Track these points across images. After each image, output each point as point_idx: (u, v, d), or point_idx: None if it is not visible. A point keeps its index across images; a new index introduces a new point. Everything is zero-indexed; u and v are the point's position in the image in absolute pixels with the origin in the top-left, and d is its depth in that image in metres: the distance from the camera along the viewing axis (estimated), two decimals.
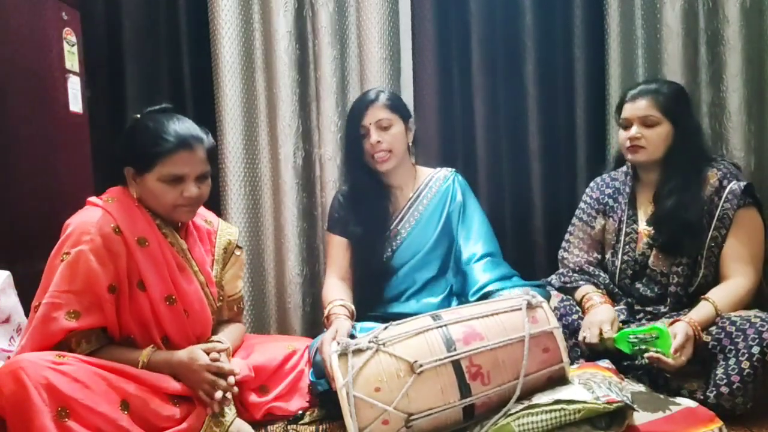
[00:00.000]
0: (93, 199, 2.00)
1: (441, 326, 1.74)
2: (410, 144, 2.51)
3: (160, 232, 2.01)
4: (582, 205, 2.59)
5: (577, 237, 2.56)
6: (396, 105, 2.45)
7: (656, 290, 2.36)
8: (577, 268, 2.50)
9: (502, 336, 1.71)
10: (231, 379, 1.90)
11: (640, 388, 2.07)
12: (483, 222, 2.51)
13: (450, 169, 2.60)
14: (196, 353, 1.90)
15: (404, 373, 1.66)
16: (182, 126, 1.97)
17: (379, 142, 2.38)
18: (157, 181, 1.94)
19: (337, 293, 2.34)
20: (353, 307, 2.29)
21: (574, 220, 2.59)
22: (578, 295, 2.41)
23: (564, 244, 2.60)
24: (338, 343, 1.76)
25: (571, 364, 2.00)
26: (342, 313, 2.21)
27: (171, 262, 2.00)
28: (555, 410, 1.66)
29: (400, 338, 1.73)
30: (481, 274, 2.35)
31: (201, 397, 1.87)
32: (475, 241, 2.45)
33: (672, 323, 2.11)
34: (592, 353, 2.13)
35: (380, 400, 1.64)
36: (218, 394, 1.86)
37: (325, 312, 2.27)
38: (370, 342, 1.72)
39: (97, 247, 1.85)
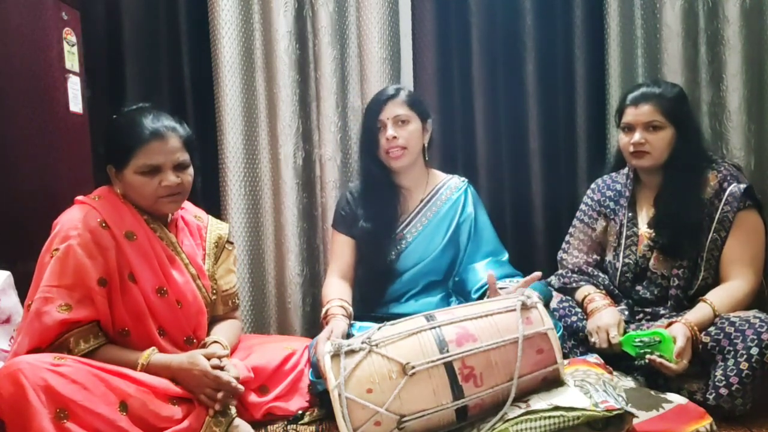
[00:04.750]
0: (80, 198, 2.02)
1: (434, 327, 1.74)
2: (426, 145, 2.50)
3: (149, 226, 2.03)
4: (583, 206, 2.59)
5: (577, 239, 2.57)
6: (415, 103, 2.45)
7: (656, 292, 2.36)
8: (576, 269, 2.51)
9: (495, 337, 1.71)
10: (234, 375, 1.91)
11: (630, 383, 2.09)
12: (492, 234, 2.52)
13: (463, 178, 2.59)
14: (196, 358, 1.90)
15: (396, 374, 1.66)
16: (154, 118, 1.99)
17: (395, 137, 2.37)
18: (134, 174, 1.96)
19: (336, 292, 2.33)
20: (351, 308, 2.29)
21: (575, 222, 2.59)
22: (579, 295, 2.41)
23: (564, 245, 2.60)
24: (332, 344, 1.76)
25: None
26: (339, 313, 2.21)
27: (161, 255, 2.02)
28: (554, 416, 1.65)
29: (393, 339, 1.73)
30: (483, 272, 2.35)
31: (203, 401, 1.88)
32: (483, 253, 2.46)
33: (669, 325, 2.11)
34: (601, 356, 2.13)
35: (372, 401, 1.64)
36: (220, 395, 1.87)
37: (323, 311, 2.27)
38: (362, 343, 1.72)
39: (86, 242, 1.88)
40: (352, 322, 2.25)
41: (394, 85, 2.58)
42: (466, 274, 2.41)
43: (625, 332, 2.20)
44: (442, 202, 2.50)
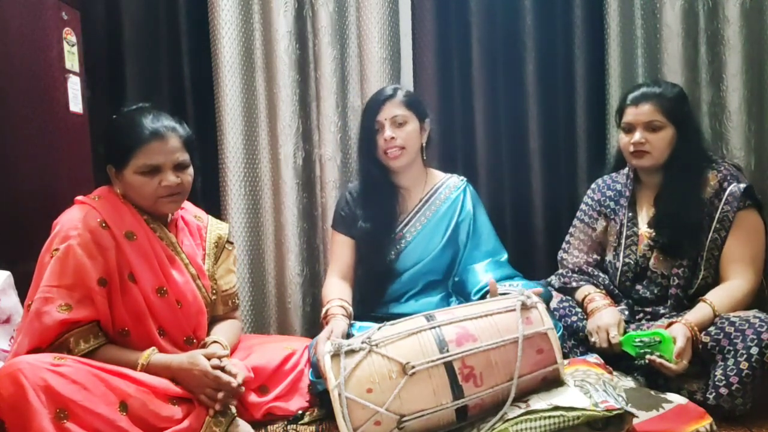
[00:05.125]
0: (80, 198, 2.02)
1: (434, 327, 1.74)
2: (424, 144, 2.50)
3: (149, 226, 2.03)
4: (583, 206, 2.59)
5: (577, 238, 2.56)
6: (412, 103, 2.45)
7: (656, 292, 2.36)
8: (576, 269, 2.51)
9: (495, 337, 1.71)
10: (235, 381, 1.90)
11: (630, 383, 2.09)
12: (491, 233, 2.51)
13: (461, 177, 2.59)
14: (196, 358, 1.90)
15: (396, 374, 1.66)
16: (153, 118, 2.00)
17: (393, 138, 2.38)
18: (134, 174, 1.96)
19: (336, 292, 2.33)
20: (351, 307, 2.29)
21: (575, 222, 2.59)
22: (579, 295, 2.41)
23: (564, 245, 2.60)
24: (332, 344, 1.76)
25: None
26: (339, 312, 2.21)
27: (160, 255, 2.02)
28: (554, 416, 1.65)
29: (393, 339, 1.73)
30: (483, 274, 2.35)
31: (203, 401, 1.88)
32: (482, 252, 2.45)
33: (669, 325, 2.11)
34: (601, 356, 2.13)
35: (372, 401, 1.64)
36: (221, 395, 1.87)
37: (323, 311, 2.27)
38: (362, 343, 1.72)
39: (86, 242, 1.88)
40: (352, 322, 2.25)
41: (392, 85, 2.57)
42: (465, 275, 2.40)
43: (625, 332, 2.20)
44: (441, 201, 2.50)
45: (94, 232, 1.90)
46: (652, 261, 2.36)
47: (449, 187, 2.54)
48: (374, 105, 2.44)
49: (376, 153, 2.44)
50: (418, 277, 2.45)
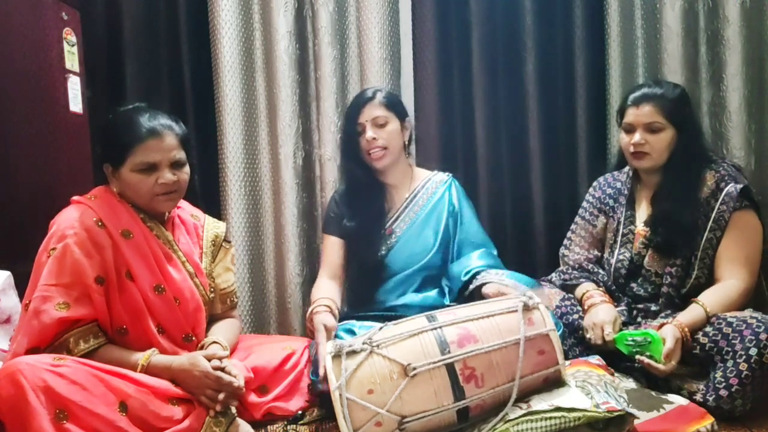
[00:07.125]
0: (76, 197, 2.03)
1: (435, 328, 1.74)
2: (407, 143, 2.53)
3: (145, 224, 2.04)
4: (585, 204, 2.60)
5: (579, 235, 2.57)
6: (392, 103, 2.48)
7: (650, 290, 2.37)
8: (576, 266, 2.52)
9: (496, 338, 1.71)
10: (236, 382, 1.90)
11: (632, 384, 2.09)
12: (479, 228, 2.55)
13: (447, 173, 2.61)
14: (197, 359, 1.90)
15: (397, 375, 1.67)
16: (150, 117, 2.00)
17: (374, 138, 2.41)
18: (131, 172, 1.97)
19: (323, 292, 2.35)
20: (337, 304, 2.30)
21: (577, 219, 2.60)
22: (579, 292, 2.42)
23: (566, 241, 2.61)
24: (333, 345, 1.76)
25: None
26: (323, 310, 2.22)
27: (157, 253, 2.03)
28: (555, 417, 1.66)
29: (394, 340, 1.73)
30: (475, 260, 2.38)
31: (204, 402, 1.88)
32: (473, 244, 2.47)
33: (660, 327, 2.12)
34: (600, 353, 2.14)
35: (373, 402, 1.64)
36: (222, 395, 1.87)
37: (309, 310, 2.27)
38: (364, 344, 1.73)
39: (82, 240, 1.88)
40: (352, 322, 2.26)
41: (372, 87, 2.60)
42: (459, 260, 2.43)
43: (620, 330, 2.20)
44: (428, 196, 2.54)
45: (91, 231, 1.90)
46: (646, 259, 2.36)
47: (435, 183, 2.57)
48: (354, 108, 2.48)
49: (360, 154, 2.47)
50: (410, 272, 2.45)
